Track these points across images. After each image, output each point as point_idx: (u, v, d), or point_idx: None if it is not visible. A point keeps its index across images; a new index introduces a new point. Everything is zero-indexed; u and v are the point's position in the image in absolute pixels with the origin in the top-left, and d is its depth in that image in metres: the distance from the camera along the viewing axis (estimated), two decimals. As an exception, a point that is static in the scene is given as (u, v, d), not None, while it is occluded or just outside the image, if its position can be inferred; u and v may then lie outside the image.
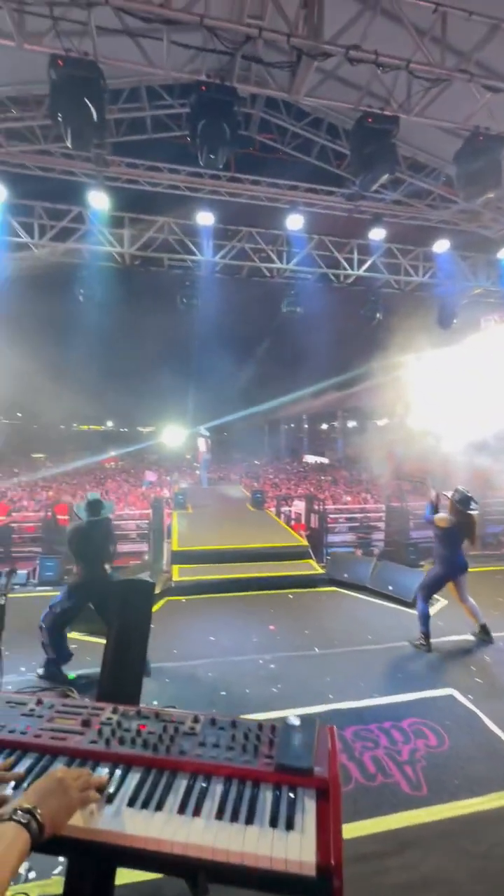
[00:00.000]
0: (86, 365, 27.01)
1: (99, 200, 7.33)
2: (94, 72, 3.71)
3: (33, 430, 37.17)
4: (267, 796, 1.05)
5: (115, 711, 1.27)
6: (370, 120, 4.25)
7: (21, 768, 1.12)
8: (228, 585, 6.90)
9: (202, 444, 14.38)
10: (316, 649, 5.10)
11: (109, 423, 45.67)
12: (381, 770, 3.04)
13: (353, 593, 7.03)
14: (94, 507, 4.42)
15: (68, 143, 3.98)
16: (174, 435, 27.23)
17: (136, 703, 1.43)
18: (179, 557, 7.62)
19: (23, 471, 20.91)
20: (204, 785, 1.08)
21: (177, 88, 7.28)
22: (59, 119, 3.92)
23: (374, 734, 3.42)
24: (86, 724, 1.22)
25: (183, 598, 6.62)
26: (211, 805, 1.03)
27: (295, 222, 8.00)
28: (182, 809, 1.01)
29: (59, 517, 9.75)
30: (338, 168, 8.38)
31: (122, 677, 1.46)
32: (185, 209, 8.30)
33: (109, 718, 1.25)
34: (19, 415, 38.18)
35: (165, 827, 0.97)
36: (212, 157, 4.15)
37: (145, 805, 1.02)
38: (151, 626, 1.72)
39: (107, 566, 4.53)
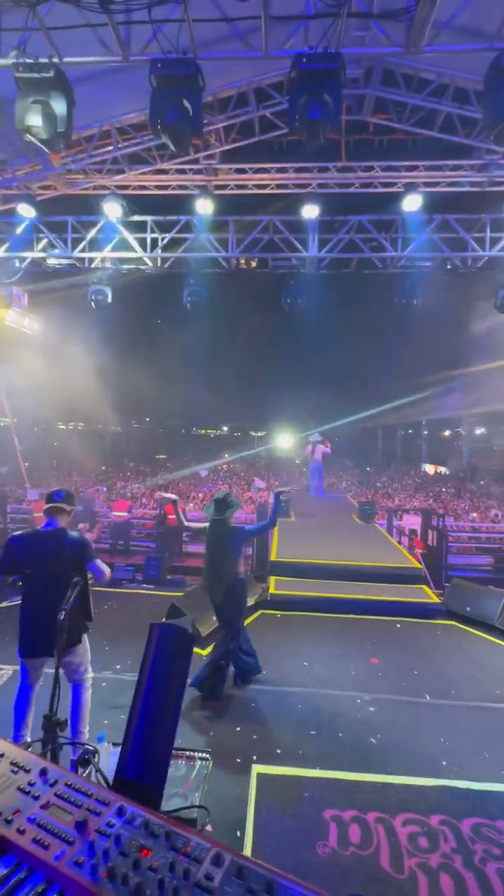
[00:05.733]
0: (203, 371, 28.58)
1: (204, 206, 7.45)
2: (191, 67, 3.62)
3: (159, 434, 40.84)
4: None
5: (120, 813, 0.97)
6: (511, 55, 3.42)
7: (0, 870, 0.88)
8: (328, 605, 6.36)
9: (313, 451, 13.32)
10: (427, 697, 4.32)
11: (224, 428, 47.89)
12: (515, 894, 2.28)
13: (476, 632, 5.94)
14: (220, 505, 4.17)
15: (171, 146, 3.96)
16: (284, 440, 27.27)
17: (156, 794, 1.10)
18: (277, 568, 7.31)
19: (147, 470, 22.84)
20: None
21: (286, 84, 7.09)
22: (159, 126, 3.94)
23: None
24: (79, 827, 0.93)
25: (278, 613, 6.28)
26: None
27: (413, 203, 7.12)
28: None
29: (170, 517, 10.23)
30: (466, 137, 7.33)
31: (145, 756, 1.16)
32: (289, 206, 8.04)
33: (110, 824, 0.94)
34: (147, 419, 42.29)
35: None
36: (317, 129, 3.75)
37: None
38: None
39: (232, 570, 4.15)
